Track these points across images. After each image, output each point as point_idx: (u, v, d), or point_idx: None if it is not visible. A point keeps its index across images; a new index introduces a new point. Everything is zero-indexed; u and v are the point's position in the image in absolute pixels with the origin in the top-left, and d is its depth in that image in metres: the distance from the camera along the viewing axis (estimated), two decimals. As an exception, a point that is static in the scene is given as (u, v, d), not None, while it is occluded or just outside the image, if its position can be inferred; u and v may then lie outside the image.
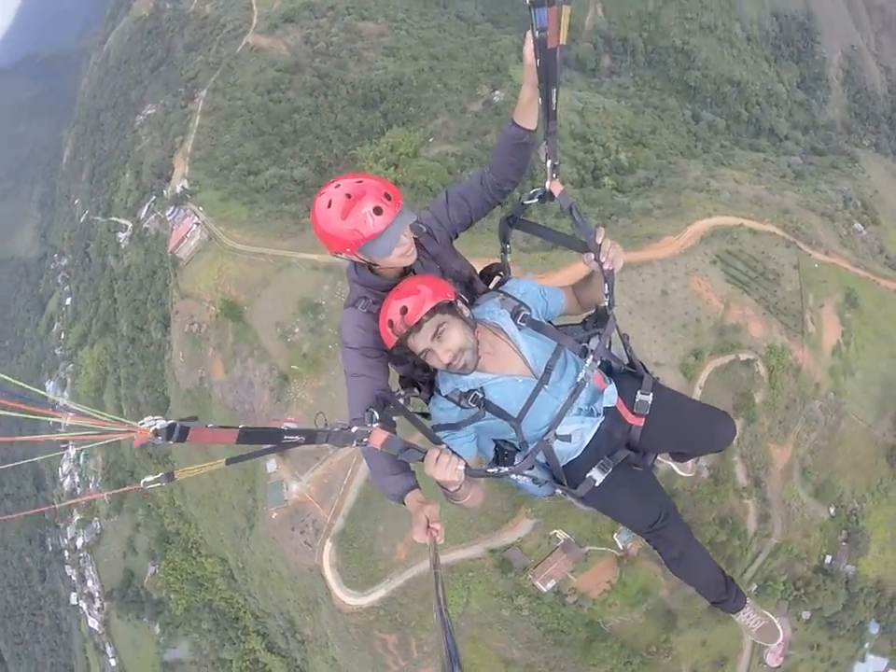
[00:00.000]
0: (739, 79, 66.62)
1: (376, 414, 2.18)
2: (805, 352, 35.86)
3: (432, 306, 2.24)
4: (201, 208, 50.95)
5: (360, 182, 2.17)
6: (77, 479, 66.19)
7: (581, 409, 2.59)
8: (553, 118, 2.22)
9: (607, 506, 2.68)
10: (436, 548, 1.94)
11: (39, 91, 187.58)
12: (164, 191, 57.23)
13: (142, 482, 1.76)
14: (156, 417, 1.59)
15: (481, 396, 2.40)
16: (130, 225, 62.06)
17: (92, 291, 70.99)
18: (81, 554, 62.98)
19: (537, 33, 1.98)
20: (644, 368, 2.78)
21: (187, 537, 50.84)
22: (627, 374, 2.77)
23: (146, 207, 58.86)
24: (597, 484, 2.52)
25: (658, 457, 2.89)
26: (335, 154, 56.45)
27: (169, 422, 1.59)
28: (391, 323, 2.26)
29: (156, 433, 1.54)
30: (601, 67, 67.47)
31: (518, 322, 2.50)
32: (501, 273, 2.97)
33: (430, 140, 53.24)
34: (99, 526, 62.07)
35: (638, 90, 64.56)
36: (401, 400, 2.55)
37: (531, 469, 2.52)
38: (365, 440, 2.05)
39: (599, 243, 2.33)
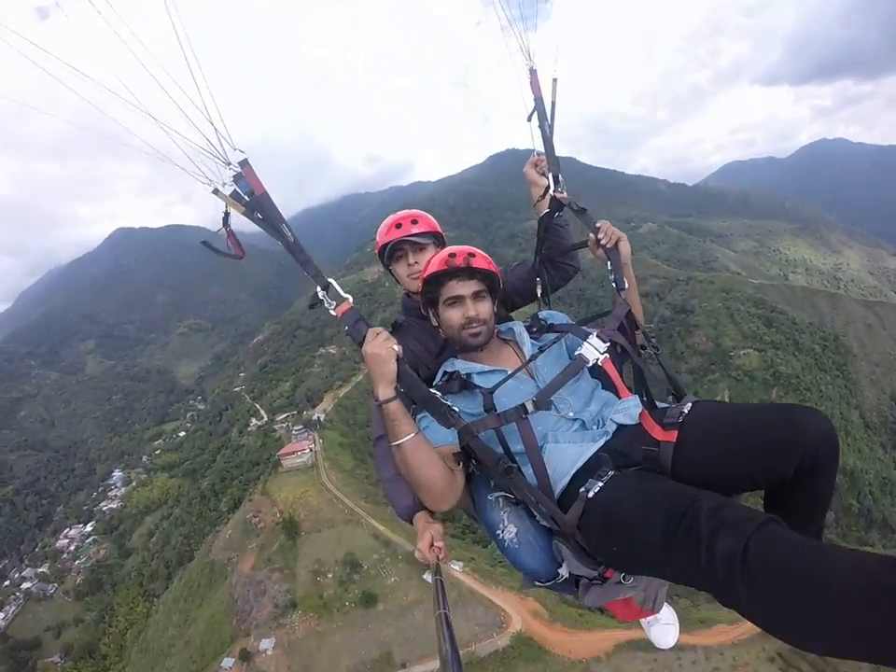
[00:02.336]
0: (853, 469, 64.99)
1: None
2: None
3: (492, 270, 2.25)
4: (321, 441, 64.97)
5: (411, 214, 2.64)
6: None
7: (578, 419, 2.04)
8: (550, 139, 2.58)
9: (608, 528, 1.70)
10: (438, 563, 1.96)
11: (272, 278, 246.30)
12: (305, 411, 75.09)
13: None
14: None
15: (464, 378, 2.15)
16: (265, 418, 79.83)
17: (203, 441, 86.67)
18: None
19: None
20: (679, 384, 2.13)
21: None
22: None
23: (285, 415, 76.63)
24: (591, 496, 1.75)
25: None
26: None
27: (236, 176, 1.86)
28: (453, 255, 2.21)
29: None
30: None
31: (530, 331, 2.40)
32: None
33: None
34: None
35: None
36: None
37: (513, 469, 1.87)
38: (333, 304, 2.02)
39: (598, 226, 2.33)
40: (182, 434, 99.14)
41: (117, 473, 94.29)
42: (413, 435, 1.93)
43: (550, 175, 2.57)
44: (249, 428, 79.24)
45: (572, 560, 1.87)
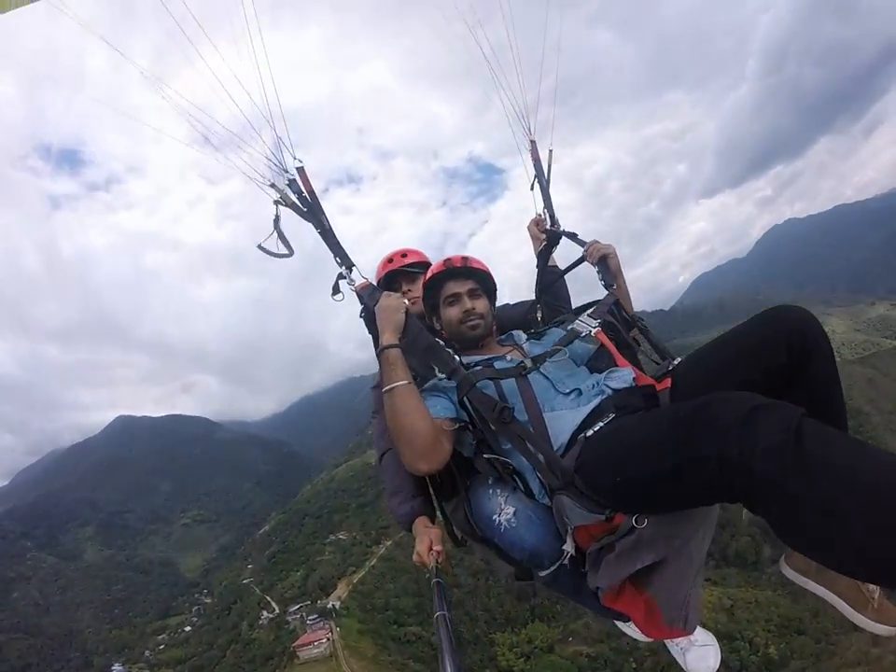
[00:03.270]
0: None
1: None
2: None
3: (484, 269, 2.44)
4: (339, 629, 65.36)
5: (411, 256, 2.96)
6: None
7: (575, 389, 2.04)
8: (546, 183, 3.03)
9: (610, 454, 1.67)
10: (437, 567, 1.98)
11: (275, 468, 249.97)
12: (319, 600, 75.78)
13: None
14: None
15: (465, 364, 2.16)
16: (277, 610, 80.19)
17: (211, 635, 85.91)
18: None
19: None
20: (667, 351, 2.26)
21: None
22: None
23: (298, 605, 77.61)
24: (589, 435, 1.76)
25: None
26: (476, 633, 62.83)
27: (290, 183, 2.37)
28: (448, 259, 2.42)
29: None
30: (762, 559, 66.67)
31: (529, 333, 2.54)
32: None
33: (569, 639, 57.36)
34: None
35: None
36: None
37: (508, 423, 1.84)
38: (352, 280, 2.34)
39: (588, 242, 2.68)
40: (188, 629, 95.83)
41: (117, 668, 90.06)
42: (406, 382, 1.95)
43: (547, 215, 3.01)
44: (261, 621, 78.63)
45: (574, 511, 1.67)
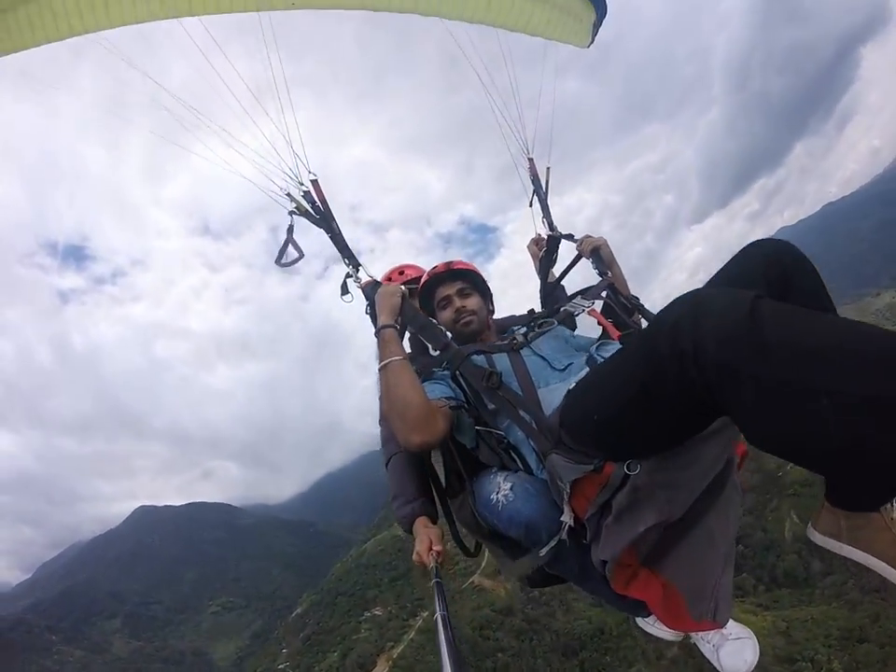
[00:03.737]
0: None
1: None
2: None
3: (470, 268, 2.53)
4: None
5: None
6: None
7: (570, 364, 2.07)
8: (545, 197, 3.15)
9: (587, 394, 1.64)
10: (438, 567, 1.93)
11: (302, 548, 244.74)
12: None
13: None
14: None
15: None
16: None
17: None
18: None
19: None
20: None
21: None
22: None
23: None
24: (572, 387, 1.76)
25: None
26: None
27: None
28: (434, 268, 2.53)
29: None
30: (812, 574, 63.22)
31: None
32: None
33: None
34: None
35: (858, 578, 55.87)
36: None
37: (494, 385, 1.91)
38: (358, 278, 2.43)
39: (578, 240, 2.82)
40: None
41: None
42: (400, 358, 1.96)
43: (545, 223, 3.11)
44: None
45: (565, 467, 1.62)
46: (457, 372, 2.06)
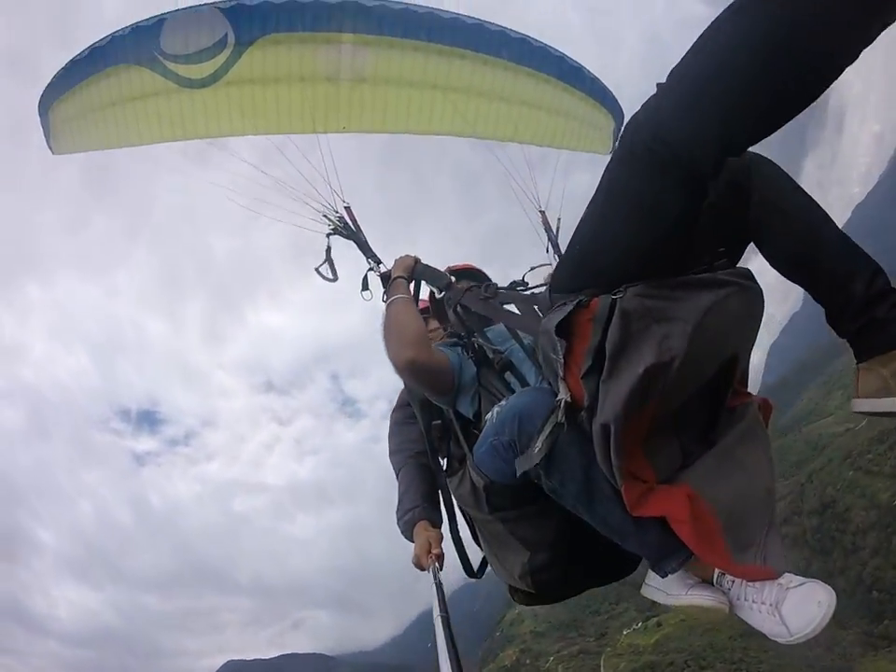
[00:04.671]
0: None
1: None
2: None
3: (472, 269, 2.80)
4: None
5: None
6: None
7: None
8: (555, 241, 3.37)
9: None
10: (437, 570, 1.89)
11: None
12: None
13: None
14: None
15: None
16: None
17: None
18: None
19: None
20: None
21: None
22: None
23: None
24: None
25: None
26: None
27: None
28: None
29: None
30: None
31: None
32: None
33: None
34: None
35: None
36: None
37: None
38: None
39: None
40: None
41: None
42: (406, 296, 2.26)
43: (556, 257, 3.26)
44: None
45: (553, 316, 1.51)
46: (458, 308, 2.18)
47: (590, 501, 1.51)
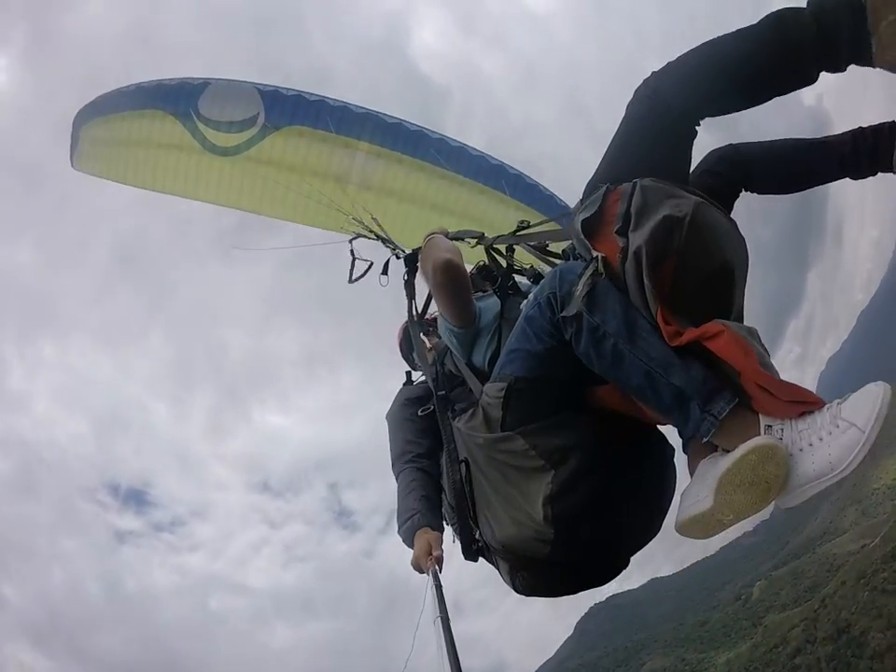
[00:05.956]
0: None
1: None
2: None
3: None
4: None
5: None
6: None
7: None
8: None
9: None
10: (437, 573, 1.89)
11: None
12: None
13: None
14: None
15: None
16: None
17: None
18: None
19: None
20: None
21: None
22: None
23: None
24: None
25: None
26: None
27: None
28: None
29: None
30: None
31: None
32: None
33: None
34: None
35: None
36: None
37: None
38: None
39: None
40: None
41: None
42: (443, 235, 2.53)
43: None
44: None
45: (586, 209, 1.78)
46: (491, 247, 2.67)
47: (631, 336, 1.52)
